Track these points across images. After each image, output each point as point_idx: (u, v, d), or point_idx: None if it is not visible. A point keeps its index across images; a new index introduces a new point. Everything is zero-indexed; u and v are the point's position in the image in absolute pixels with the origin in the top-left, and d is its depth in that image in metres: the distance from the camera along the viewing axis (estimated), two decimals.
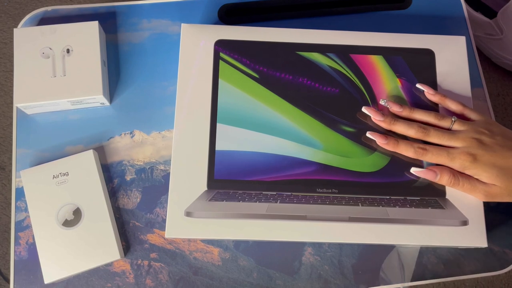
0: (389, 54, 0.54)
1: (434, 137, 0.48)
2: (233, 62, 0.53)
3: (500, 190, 0.46)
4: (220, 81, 0.52)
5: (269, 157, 0.50)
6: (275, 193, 0.49)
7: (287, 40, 0.54)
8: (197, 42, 0.53)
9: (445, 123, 0.49)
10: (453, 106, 0.51)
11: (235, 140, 0.50)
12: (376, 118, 0.50)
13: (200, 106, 0.51)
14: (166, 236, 0.47)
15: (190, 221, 0.47)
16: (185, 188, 0.49)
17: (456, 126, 0.49)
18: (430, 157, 0.48)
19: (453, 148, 0.48)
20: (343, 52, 0.54)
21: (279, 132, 0.51)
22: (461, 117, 0.51)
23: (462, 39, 0.55)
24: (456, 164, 0.47)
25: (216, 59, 0.53)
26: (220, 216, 0.47)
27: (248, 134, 0.51)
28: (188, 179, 0.49)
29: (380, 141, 0.49)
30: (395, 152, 0.50)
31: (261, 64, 0.53)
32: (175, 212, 0.48)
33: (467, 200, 0.48)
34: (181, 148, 0.50)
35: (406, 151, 0.48)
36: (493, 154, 0.46)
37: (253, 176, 0.49)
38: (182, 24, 0.54)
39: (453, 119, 0.49)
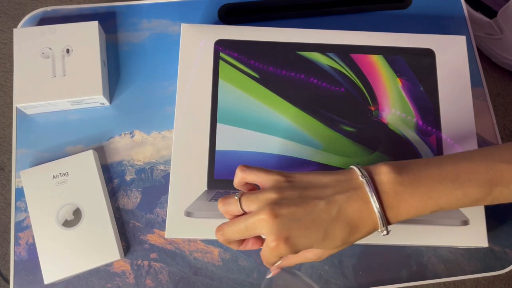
0: (390, 53, 0.54)
1: (230, 234, 0.39)
2: (233, 62, 0.53)
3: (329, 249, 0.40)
4: (220, 81, 0.52)
5: (269, 157, 0.50)
6: None
7: (287, 40, 0.54)
8: (197, 42, 0.53)
9: (231, 205, 0.39)
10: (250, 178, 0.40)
11: (235, 140, 0.50)
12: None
13: (200, 106, 0.51)
14: (166, 236, 0.47)
15: (190, 221, 0.47)
16: (185, 188, 0.48)
17: (244, 202, 0.39)
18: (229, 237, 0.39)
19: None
20: (343, 52, 0.54)
21: (279, 132, 0.51)
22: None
23: (462, 39, 0.55)
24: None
25: (216, 59, 0.53)
26: (220, 216, 0.47)
27: (248, 134, 0.51)
28: (188, 179, 0.49)
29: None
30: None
31: (261, 64, 0.53)
32: (175, 212, 0.47)
33: None
34: (181, 148, 0.50)
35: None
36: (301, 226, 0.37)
37: None
38: (182, 24, 0.54)
39: (236, 197, 0.39)
